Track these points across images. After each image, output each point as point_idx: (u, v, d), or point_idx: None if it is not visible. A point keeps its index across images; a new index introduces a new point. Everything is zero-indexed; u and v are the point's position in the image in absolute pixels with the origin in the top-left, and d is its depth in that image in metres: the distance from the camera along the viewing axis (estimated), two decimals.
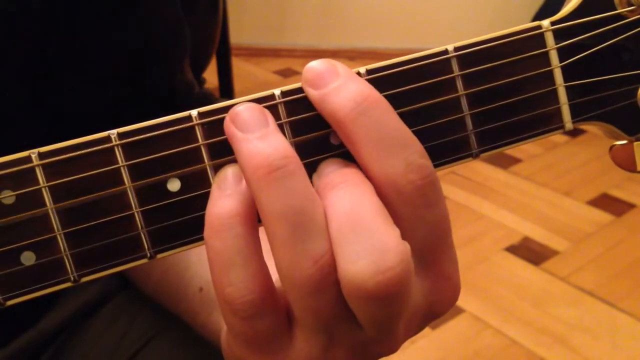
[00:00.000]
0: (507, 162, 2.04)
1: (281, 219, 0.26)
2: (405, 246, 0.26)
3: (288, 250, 0.26)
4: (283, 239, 0.26)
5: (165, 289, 0.49)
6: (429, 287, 0.30)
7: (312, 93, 0.28)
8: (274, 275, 0.28)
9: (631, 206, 1.84)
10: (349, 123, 0.27)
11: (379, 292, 0.25)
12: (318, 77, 0.28)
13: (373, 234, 0.26)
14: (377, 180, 0.27)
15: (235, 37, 2.05)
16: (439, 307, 0.31)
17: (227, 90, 1.85)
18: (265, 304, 0.28)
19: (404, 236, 0.27)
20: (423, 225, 0.28)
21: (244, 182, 0.27)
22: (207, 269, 0.28)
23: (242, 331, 0.29)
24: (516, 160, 2.05)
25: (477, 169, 2.00)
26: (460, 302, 1.49)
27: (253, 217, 0.27)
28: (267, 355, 0.30)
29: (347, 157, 0.29)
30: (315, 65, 0.28)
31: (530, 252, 1.68)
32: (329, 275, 0.26)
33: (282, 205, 0.26)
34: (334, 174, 0.28)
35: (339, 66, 0.28)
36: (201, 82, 1.25)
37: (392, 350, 0.30)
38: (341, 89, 0.27)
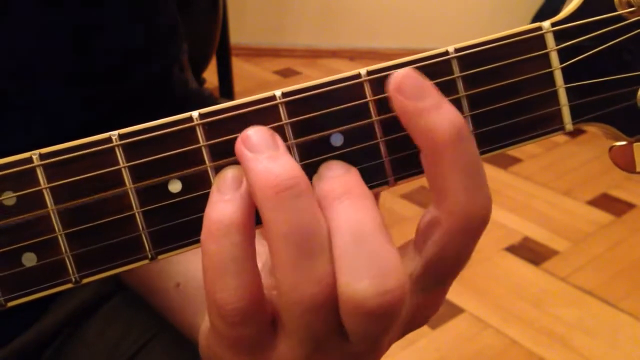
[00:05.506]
0: (507, 162, 2.04)
1: (287, 239, 0.26)
2: (404, 267, 0.27)
3: (292, 270, 0.26)
4: (287, 258, 0.26)
5: (146, 281, 0.49)
6: (420, 304, 0.30)
7: (406, 103, 0.27)
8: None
9: (631, 206, 1.84)
10: (448, 146, 0.27)
11: (378, 311, 0.26)
12: (417, 88, 0.27)
13: (376, 253, 0.26)
14: (453, 207, 0.27)
15: (235, 37, 2.05)
16: (420, 321, 0.31)
17: (227, 90, 1.84)
18: (254, 312, 0.28)
19: (442, 260, 0.28)
20: (464, 253, 0.29)
21: (243, 186, 0.27)
22: (186, 265, 0.28)
23: (227, 334, 0.29)
24: (516, 160, 2.05)
25: None
26: (460, 302, 1.49)
27: (251, 224, 0.27)
28: (248, 357, 0.30)
29: (348, 159, 0.29)
30: (411, 74, 0.28)
31: (530, 252, 1.68)
32: (330, 295, 0.26)
33: (289, 225, 0.26)
34: (336, 180, 0.28)
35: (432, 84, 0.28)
36: (201, 82, 1.25)
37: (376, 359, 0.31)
38: (442, 108, 0.27)
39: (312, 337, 0.28)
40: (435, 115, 0.27)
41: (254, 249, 0.27)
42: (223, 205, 0.27)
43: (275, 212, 0.26)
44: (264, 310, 0.28)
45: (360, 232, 0.26)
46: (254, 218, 0.27)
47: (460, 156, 0.27)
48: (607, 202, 1.86)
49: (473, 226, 0.28)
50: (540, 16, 2.28)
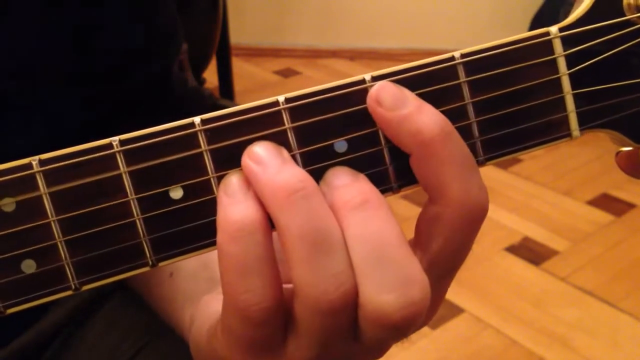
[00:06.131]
0: (507, 162, 2.03)
1: (303, 239, 0.26)
2: (426, 277, 0.27)
3: (309, 268, 0.26)
4: (305, 257, 0.26)
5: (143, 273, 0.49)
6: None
7: (388, 115, 0.28)
8: None
9: (631, 206, 1.84)
10: (438, 142, 0.27)
11: (402, 323, 0.26)
12: (396, 98, 0.28)
13: (400, 265, 0.26)
14: (451, 199, 0.28)
15: (235, 37, 2.05)
16: (423, 322, 0.31)
17: (227, 90, 1.84)
18: (278, 311, 0.28)
19: (446, 253, 0.28)
20: (466, 244, 0.29)
21: (252, 189, 0.28)
22: None
23: (245, 335, 0.29)
24: (516, 161, 2.05)
25: None
26: (460, 302, 1.49)
27: (269, 223, 0.28)
28: (259, 357, 0.30)
29: (352, 165, 0.29)
30: (387, 85, 0.28)
31: (530, 252, 1.68)
32: (350, 302, 0.27)
33: (303, 225, 0.26)
34: (351, 189, 0.28)
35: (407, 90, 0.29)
36: (201, 82, 1.25)
37: (378, 357, 0.32)
38: (424, 110, 0.28)
39: (324, 337, 0.28)
40: (419, 118, 0.28)
41: (273, 248, 0.28)
42: (240, 206, 0.27)
43: (288, 214, 0.26)
44: (284, 308, 0.29)
45: (383, 244, 0.27)
46: (269, 218, 0.27)
47: (449, 150, 0.28)
48: (607, 202, 1.86)
49: (474, 214, 0.28)
50: (540, 16, 2.28)
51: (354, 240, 0.27)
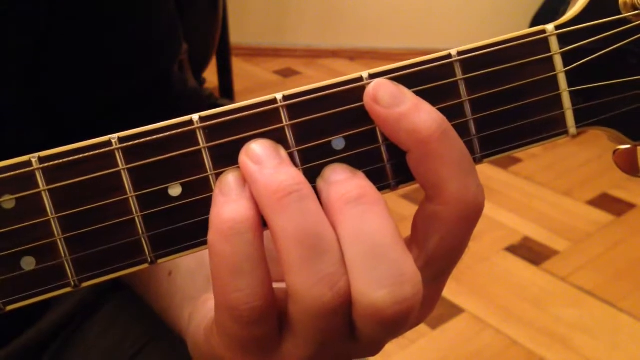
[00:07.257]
0: (507, 162, 2.04)
1: (296, 241, 0.26)
2: (419, 274, 0.27)
3: (303, 273, 0.26)
4: (298, 261, 0.26)
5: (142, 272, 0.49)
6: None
7: (385, 112, 0.28)
8: None
9: (631, 206, 1.84)
10: (435, 141, 0.27)
11: (394, 319, 0.27)
12: (393, 96, 0.28)
13: (394, 262, 0.27)
14: (448, 197, 0.28)
15: (235, 37, 2.05)
16: (417, 320, 0.32)
17: (227, 90, 1.85)
18: (269, 310, 0.28)
19: (442, 251, 0.29)
20: (462, 242, 0.29)
21: (247, 188, 0.28)
22: None
23: (239, 335, 0.29)
24: (516, 161, 2.05)
25: (477, 168, 1.99)
26: (460, 302, 1.49)
27: (260, 223, 0.28)
28: (256, 357, 0.30)
29: (349, 163, 0.29)
30: (384, 82, 0.28)
31: (530, 252, 1.68)
32: (344, 301, 0.27)
33: (297, 227, 0.26)
34: (348, 183, 0.28)
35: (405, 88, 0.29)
36: (201, 82, 1.25)
37: (374, 354, 0.32)
38: (421, 108, 0.28)
39: (320, 337, 0.28)
40: (416, 116, 0.28)
41: (264, 247, 0.28)
42: (233, 205, 0.27)
43: (282, 216, 0.26)
44: (276, 308, 0.29)
45: (378, 239, 0.27)
46: (262, 217, 0.27)
47: (447, 148, 0.28)
48: (607, 202, 1.86)
49: (470, 212, 0.28)
50: (540, 16, 2.28)
51: (348, 236, 0.27)
